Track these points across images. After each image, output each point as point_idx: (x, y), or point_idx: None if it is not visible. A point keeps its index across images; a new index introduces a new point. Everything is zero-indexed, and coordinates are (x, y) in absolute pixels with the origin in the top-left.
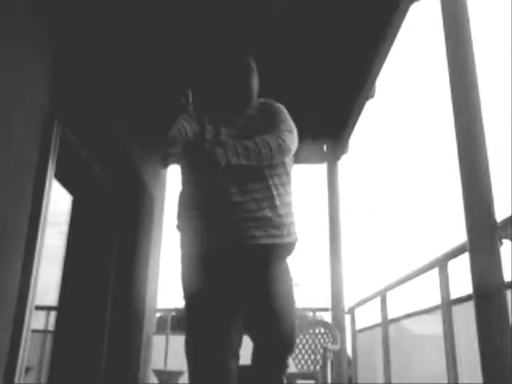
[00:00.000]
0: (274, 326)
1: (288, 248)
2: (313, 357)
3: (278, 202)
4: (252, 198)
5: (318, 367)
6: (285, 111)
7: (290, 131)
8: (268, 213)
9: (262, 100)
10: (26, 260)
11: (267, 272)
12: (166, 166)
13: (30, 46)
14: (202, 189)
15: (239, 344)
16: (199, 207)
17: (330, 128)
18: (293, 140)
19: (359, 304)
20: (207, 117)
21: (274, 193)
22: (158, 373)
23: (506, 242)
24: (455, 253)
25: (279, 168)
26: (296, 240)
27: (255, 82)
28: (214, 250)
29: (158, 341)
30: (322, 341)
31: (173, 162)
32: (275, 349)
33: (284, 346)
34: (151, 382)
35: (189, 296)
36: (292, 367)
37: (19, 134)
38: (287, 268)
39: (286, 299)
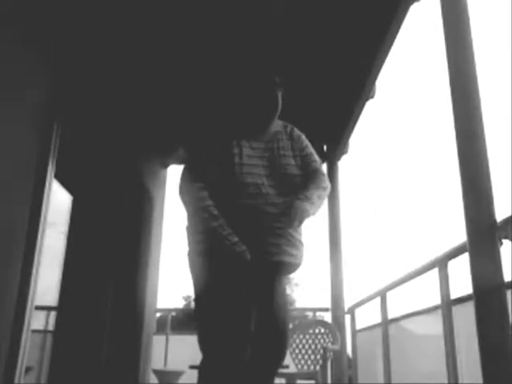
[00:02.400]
0: (273, 324)
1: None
2: (313, 357)
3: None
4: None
5: (317, 367)
6: (309, 144)
7: (324, 174)
8: (294, 234)
9: (285, 123)
10: (26, 260)
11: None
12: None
13: (30, 47)
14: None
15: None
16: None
17: (330, 128)
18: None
19: (359, 304)
20: (232, 140)
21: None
22: (157, 373)
23: (506, 242)
24: (455, 253)
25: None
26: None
27: (280, 101)
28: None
29: (158, 341)
30: (321, 341)
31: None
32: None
33: (279, 339)
34: (151, 382)
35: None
36: (292, 367)
37: (19, 134)
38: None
39: (285, 303)
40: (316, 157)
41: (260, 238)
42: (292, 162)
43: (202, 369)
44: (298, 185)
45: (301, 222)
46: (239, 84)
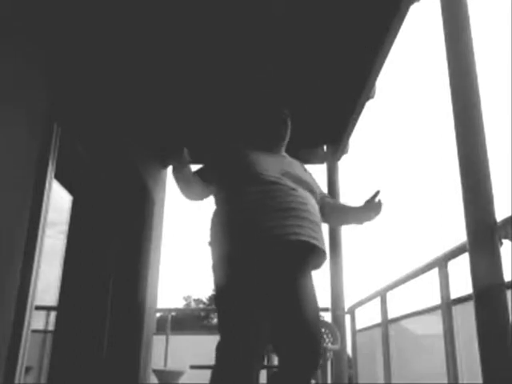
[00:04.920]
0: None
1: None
2: None
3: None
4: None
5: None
6: None
7: None
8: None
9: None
10: (26, 260)
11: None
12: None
13: (30, 47)
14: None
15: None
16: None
17: (329, 128)
18: None
19: (359, 304)
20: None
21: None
22: (157, 373)
23: (506, 242)
24: (455, 253)
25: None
26: None
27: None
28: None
29: (157, 341)
30: (321, 341)
31: None
32: (305, 356)
33: (314, 353)
34: (151, 382)
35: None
36: None
37: (19, 134)
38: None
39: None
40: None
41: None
42: (308, 177)
43: (219, 352)
44: (314, 193)
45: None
46: (250, 115)
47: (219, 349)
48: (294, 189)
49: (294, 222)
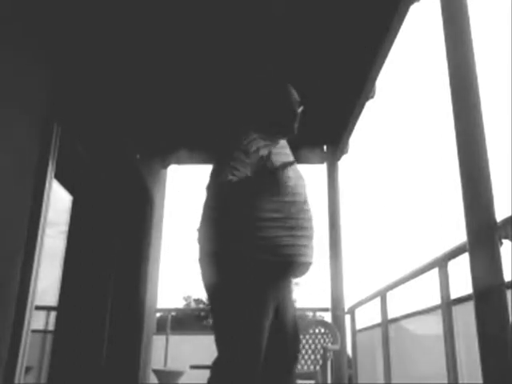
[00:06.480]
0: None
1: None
2: (313, 357)
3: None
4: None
5: (317, 367)
6: None
7: None
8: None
9: None
10: (26, 260)
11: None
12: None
13: (31, 47)
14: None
15: None
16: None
17: (330, 128)
18: None
19: (359, 304)
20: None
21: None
22: (157, 373)
23: (505, 241)
24: (455, 253)
25: None
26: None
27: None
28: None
29: (157, 341)
30: (321, 341)
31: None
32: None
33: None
34: (151, 382)
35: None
36: None
37: (19, 134)
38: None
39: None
40: None
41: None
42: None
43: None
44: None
45: None
46: (259, 96)
47: (223, 368)
48: (305, 201)
49: (302, 242)
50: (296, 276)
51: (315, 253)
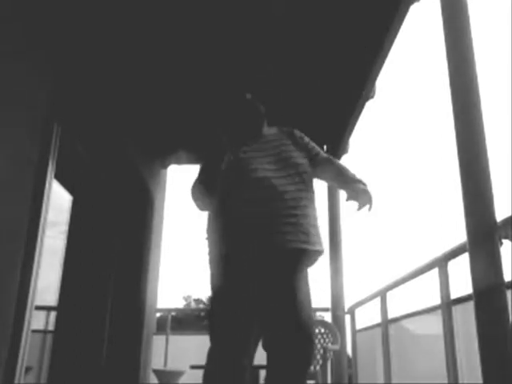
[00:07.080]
0: (297, 335)
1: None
2: None
3: (309, 213)
4: (290, 206)
5: (317, 367)
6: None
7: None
8: (301, 220)
9: (280, 127)
10: (26, 260)
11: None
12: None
13: (31, 47)
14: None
15: (255, 350)
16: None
17: (330, 128)
18: None
19: (359, 304)
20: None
21: (307, 203)
22: (158, 373)
23: (506, 242)
24: (455, 253)
25: (309, 184)
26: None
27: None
28: (247, 250)
29: (158, 341)
30: (322, 341)
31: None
32: (296, 358)
33: (305, 354)
34: (151, 382)
35: (215, 296)
36: None
37: (19, 134)
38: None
39: (306, 305)
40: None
41: (272, 227)
42: (295, 154)
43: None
44: (304, 172)
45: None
46: (222, 106)
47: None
48: (285, 191)
49: (287, 229)
50: (297, 264)
51: (313, 236)
